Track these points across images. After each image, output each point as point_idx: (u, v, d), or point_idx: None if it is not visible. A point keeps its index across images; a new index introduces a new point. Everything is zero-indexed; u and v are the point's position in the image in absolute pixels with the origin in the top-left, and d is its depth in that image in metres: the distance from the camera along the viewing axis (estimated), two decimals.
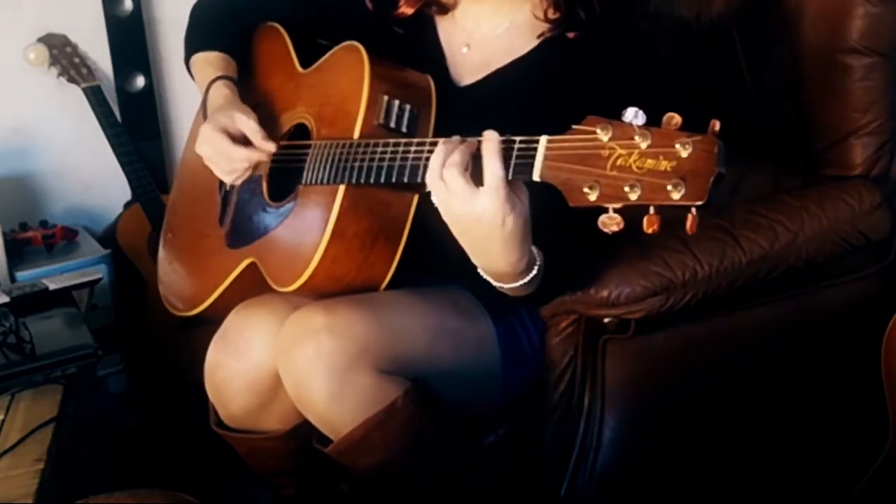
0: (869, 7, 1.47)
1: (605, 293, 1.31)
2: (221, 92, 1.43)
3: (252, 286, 1.37)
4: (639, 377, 1.40)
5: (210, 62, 1.49)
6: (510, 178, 1.05)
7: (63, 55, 2.18)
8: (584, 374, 1.38)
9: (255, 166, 1.37)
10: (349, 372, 1.21)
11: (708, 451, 1.47)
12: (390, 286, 1.33)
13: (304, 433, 1.35)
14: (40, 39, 2.18)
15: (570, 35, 1.33)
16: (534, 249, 1.16)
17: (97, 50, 2.24)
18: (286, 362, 1.25)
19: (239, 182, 1.39)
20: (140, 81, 2.29)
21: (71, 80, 2.18)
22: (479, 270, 1.20)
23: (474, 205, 1.06)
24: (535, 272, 1.18)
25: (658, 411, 1.42)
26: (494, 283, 1.21)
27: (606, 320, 1.35)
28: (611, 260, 1.34)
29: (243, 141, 1.34)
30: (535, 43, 1.37)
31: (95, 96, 2.18)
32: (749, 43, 1.66)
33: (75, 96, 2.20)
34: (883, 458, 1.33)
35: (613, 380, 1.38)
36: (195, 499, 1.27)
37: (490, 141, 1.06)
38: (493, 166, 1.05)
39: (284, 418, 1.35)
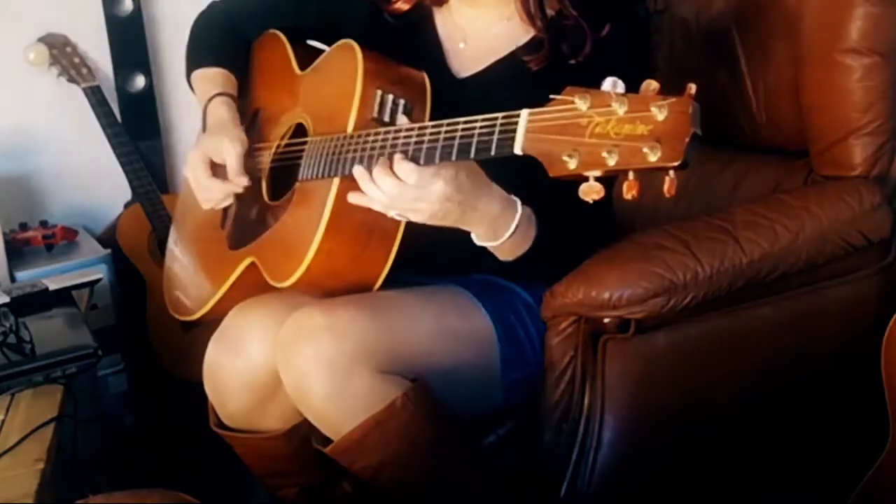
0: (869, 7, 1.47)
1: (606, 295, 1.30)
2: (219, 111, 1.45)
3: (254, 288, 1.37)
4: (639, 377, 1.40)
5: (209, 78, 1.50)
6: (493, 154, 1.07)
7: (63, 55, 2.18)
8: (584, 375, 1.38)
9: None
10: (348, 372, 1.21)
11: (708, 450, 1.47)
12: (391, 286, 1.33)
13: (303, 433, 1.35)
14: (40, 39, 2.19)
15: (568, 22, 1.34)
16: (509, 195, 1.23)
17: (97, 50, 2.25)
18: (286, 362, 1.25)
19: (218, 207, 1.43)
20: (140, 81, 2.29)
21: (71, 80, 2.18)
22: (478, 241, 1.25)
23: (431, 193, 1.15)
24: (520, 208, 1.23)
25: (658, 411, 1.42)
26: (495, 247, 1.25)
27: (606, 321, 1.35)
28: (611, 261, 1.34)
29: (225, 170, 1.37)
30: (532, 33, 1.37)
31: (95, 96, 2.18)
32: (749, 43, 1.66)
33: (75, 96, 2.20)
34: (883, 458, 1.33)
35: (613, 380, 1.38)
36: (195, 499, 1.27)
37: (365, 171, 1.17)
38: (403, 165, 1.14)
39: (284, 418, 1.35)
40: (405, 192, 1.15)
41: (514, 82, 1.37)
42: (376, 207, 1.19)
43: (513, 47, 1.39)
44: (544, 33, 1.35)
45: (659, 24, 1.75)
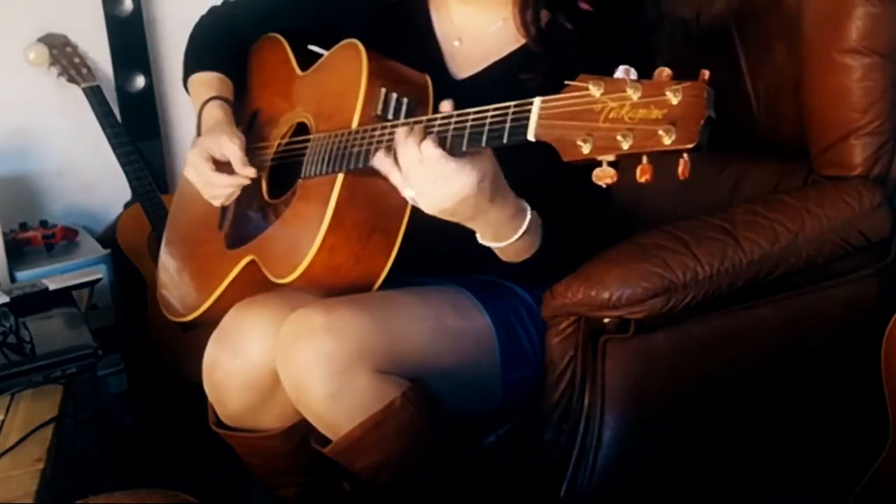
0: (869, 7, 1.47)
1: (606, 295, 1.31)
2: (214, 113, 1.45)
3: (252, 288, 1.37)
4: (639, 377, 1.40)
5: (206, 83, 1.51)
6: (506, 142, 1.06)
7: (63, 55, 2.18)
8: (584, 374, 1.38)
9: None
10: (347, 372, 1.22)
11: (708, 450, 1.47)
12: (390, 286, 1.33)
13: (302, 432, 1.35)
14: (40, 39, 2.19)
15: (567, 26, 1.34)
16: (521, 201, 1.21)
17: (97, 50, 2.25)
18: (285, 362, 1.25)
19: (226, 203, 1.43)
20: (140, 81, 2.29)
21: (71, 80, 2.18)
22: (483, 240, 1.23)
23: (450, 188, 1.11)
24: (529, 216, 1.21)
25: (658, 411, 1.42)
26: (499, 248, 1.24)
27: (606, 320, 1.35)
28: (611, 261, 1.34)
29: (228, 166, 1.37)
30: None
31: (95, 96, 2.18)
32: (749, 43, 1.66)
33: (75, 96, 2.20)
34: (883, 458, 1.33)
35: (613, 380, 1.38)
36: (195, 499, 1.27)
37: (407, 130, 1.14)
38: (429, 149, 1.11)
39: (283, 416, 1.35)
40: (424, 170, 1.12)
41: (511, 85, 1.36)
42: (395, 178, 1.16)
43: (509, 49, 1.39)
44: (536, 44, 1.35)
45: (659, 16, 1.75)
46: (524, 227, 1.22)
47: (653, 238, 1.38)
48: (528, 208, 1.22)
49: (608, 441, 1.38)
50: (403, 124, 1.18)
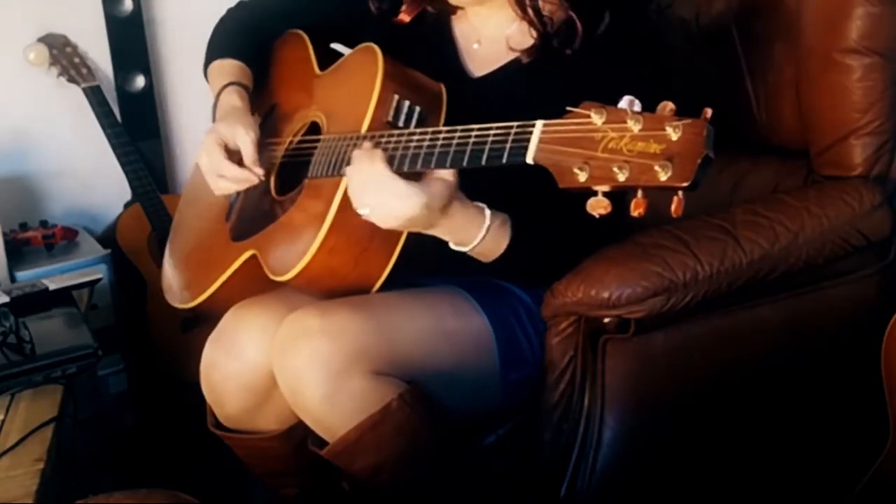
0: (869, 7, 1.47)
1: (605, 294, 1.31)
2: (230, 99, 1.45)
3: (253, 281, 1.37)
4: (639, 377, 1.40)
5: (224, 69, 1.51)
6: (504, 162, 1.07)
7: (63, 55, 2.18)
8: (584, 374, 1.38)
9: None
10: (344, 374, 1.21)
11: (708, 450, 1.47)
12: (388, 287, 1.33)
13: (300, 434, 1.35)
14: (40, 39, 2.19)
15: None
16: (481, 204, 1.25)
17: (97, 50, 2.25)
18: (281, 364, 1.25)
19: (228, 193, 1.42)
20: (140, 81, 2.29)
21: (71, 80, 2.18)
22: (454, 246, 1.26)
23: (396, 208, 1.17)
24: (487, 219, 1.25)
25: (658, 411, 1.42)
26: (469, 251, 1.26)
27: (606, 320, 1.35)
28: (611, 260, 1.34)
29: (240, 156, 1.37)
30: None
31: (95, 96, 2.18)
32: (749, 43, 1.66)
33: (75, 96, 2.20)
34: (883, 458, 1.33)
35: (613, 380, 1.38)
36: (195, 499, 1.27)
37: (359, 152, 1.20)
38: (382, 169, 1.17)
39: (280, 418, 1.35)
40: (376, 188, 1.17)
41: (526, 83, 1.37)
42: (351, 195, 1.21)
43: (522, 49, 1.39)
44: (538, 25, 1.35)
45: (663, 18, 1.75)
46: (484, 230, 1.24)
47: (653, 237, 1.38)
48: (486, 210, 1.25)
49: (608, 441, 1.38)
50: (409, 133, 1.20)
